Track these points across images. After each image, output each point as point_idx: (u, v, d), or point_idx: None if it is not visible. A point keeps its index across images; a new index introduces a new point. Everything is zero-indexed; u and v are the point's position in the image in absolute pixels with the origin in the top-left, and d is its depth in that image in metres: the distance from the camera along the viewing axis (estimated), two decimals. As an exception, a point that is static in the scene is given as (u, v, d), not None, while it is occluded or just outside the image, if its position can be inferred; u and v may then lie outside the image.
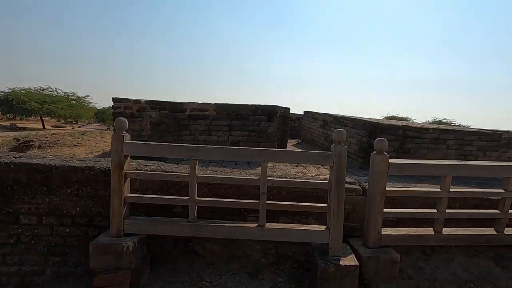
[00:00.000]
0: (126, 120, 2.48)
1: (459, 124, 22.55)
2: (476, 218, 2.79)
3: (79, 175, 2.71)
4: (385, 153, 2.52)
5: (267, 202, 2.51)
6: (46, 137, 7.43)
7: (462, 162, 2.57)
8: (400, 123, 4.91)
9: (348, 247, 2.62)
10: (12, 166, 2.64)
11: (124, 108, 4.05)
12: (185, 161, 3.76)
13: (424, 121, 24.68)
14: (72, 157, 3.26)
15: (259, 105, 4.35)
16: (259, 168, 2.50)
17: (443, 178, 2.59)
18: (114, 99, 4.12)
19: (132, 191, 2.80)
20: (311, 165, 4.50)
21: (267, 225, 2.54)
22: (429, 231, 2.71)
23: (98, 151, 5.42)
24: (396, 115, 27.08)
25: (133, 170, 2.68)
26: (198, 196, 2.80)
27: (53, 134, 8.93)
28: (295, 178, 3.19)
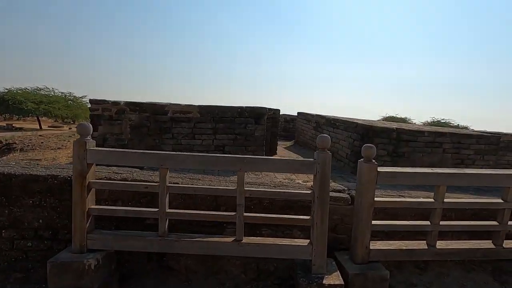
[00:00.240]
0: (90, 125, 2.27)
1: (458, 124, 22.33)
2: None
3: (42, 184, 2.49)
4: (374, 160, 2.31)
5: (245, 214, 2.29)
6: (30, 140, 7.20)
7: (457, 171, 2.36)
8: (394, 125, 4.70)
9: (334, 262, 2.41)
10: (-35, 175, 2.43)
11: (102, 110, 3.83)
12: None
13: (423, 121, 24.46)
14: (38, 164, 3.04)
15: (246, 106, 4.13)
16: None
17: (436, 188, 2.38)
18: (91, 101, 3.90)
19: (101, 201, 2.58)
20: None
21: (245, 239, 2.32)
22: (422, 244, 2.50)
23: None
24: (395, 115, 26.84)
25: (98, 179, 2.46)
26: (172, 207, 2.59)
27: (40, 136, 8.69)
28: (278, 186, 2.98)
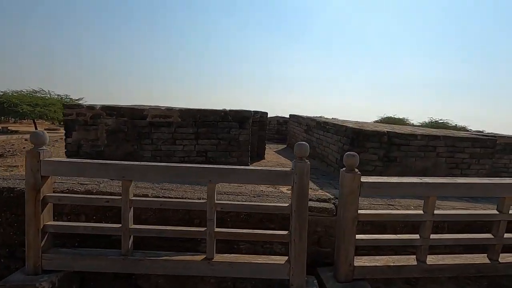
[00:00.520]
0: (45, 133, 2.06)
1: (456, 125, 22.14)
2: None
3: (-4, 198, 2.28)
4: (357, 170, 2.12)
5: (216, 230, 2.09)
6: (12, 144, 6.98)
7: (447, 180, 2.16)
8: (387, 128, 4.51)
9: (315, 281, 2.21)
10: None
11: (76, 115, 3.62)
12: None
13: (421, 122, 24.25)
14: (12, 171, 2.83)
15: (229, 110, 3.93)
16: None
17: (425, 199, 2.19)
18: (64, 105, 3.69)
19: (62, 215, 2.38)
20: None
21: (217, 257, 2.12)
22: (412, 259, 2.30)
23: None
24: (392, 116, 26.63)
25: (57, 193, 2.26)
26: (141, 221, 2.39)
27: (26, 140, 8.46)
28: (259, 196, 2.78)
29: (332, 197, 2.91)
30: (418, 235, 2.26)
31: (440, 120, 23.28)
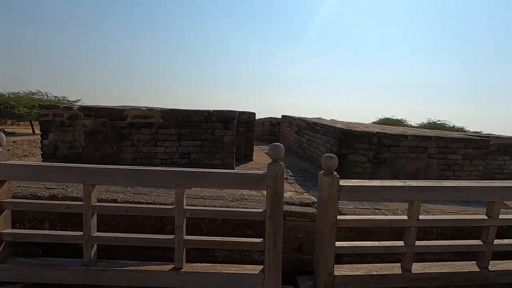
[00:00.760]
0: (2, 135, 1.92)
1: (454, 125, 22.02)
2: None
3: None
4: (335, 173, 1.98)
5: (185, 237, 1.95)
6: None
7: (433, 183, 2.03)
8: (377, 129, 4.38)
9: (294, 292, 2.07)
10: None
11: (53, 116, 3.47)
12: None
13: (419, 123, 24.13)
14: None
15: (213, 110, 3.79)
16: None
17: (410, 204, 2.05)
18: (40, 106, 3.54)
19: (25, 222, 2.24)
20: (284, 181, 3.94)
21: (186, 267, 1.98)
22: (396, 268, 2.16)
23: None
24: (390, 117, 26.49)
25: (17, 198, 2.11)
26: (110, 228, 2.25)
27: (14, 142, 8.29)
28: (238, 200, 2.64)
29: (315, 201, 2.77)
30: (402, 241, 2.13)
31: (438, 121, 23.18)
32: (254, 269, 2.01)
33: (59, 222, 2.26)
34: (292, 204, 2.72)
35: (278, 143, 1.94)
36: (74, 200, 2.25)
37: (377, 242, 2.14)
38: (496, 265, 2.23)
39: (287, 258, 2.56)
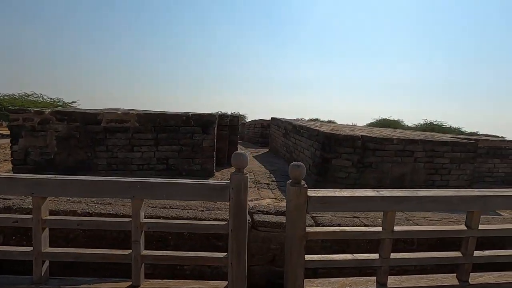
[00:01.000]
0: None
1: (450, 126, 21.99)
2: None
3: None
4: (303, 182, 1.86)
5: (143, 253, 1.82)
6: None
7: (408, 193, 1.91)
8: (363, 132, 4.27)
9: (260, 309, 1.95)
10: None
11: (23, 120, 3.34)
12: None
13: (416, 123, 24.09)
14: None
15: (192, 114, 3.66)
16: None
17: (384, 214, 1.93)
18: (10, 110, 3.41)
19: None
20: (265, 187, 3.82)
21: (145, 284, 1.84)
22: (371, 282, 2.04)
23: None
24: (387, 118, 26.44)
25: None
26: (69, 241, 2.12)
27: (-2, 146, 8.12)
28: (209, 210, 2.51)
29: (292, 209, 2.65)
30: (378, 254, 2.00)
31: (435, 121, 23.15)
32: (217, 285, 1.88)
33: (13, 236, 2.12)
34: (267, 213, 2.60)
35: (242, 152, 1.81)
36: (29, 213, 2.12)
37: (350, 255, 2.01)
38: (477, 278, 2.11)
39: (260, 271, 2.45)
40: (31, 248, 1.80)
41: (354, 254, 2.02)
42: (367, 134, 3.89)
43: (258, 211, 2.61)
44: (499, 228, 2.11)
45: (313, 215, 2.58)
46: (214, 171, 3.84)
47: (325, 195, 1.85)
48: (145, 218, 1.87)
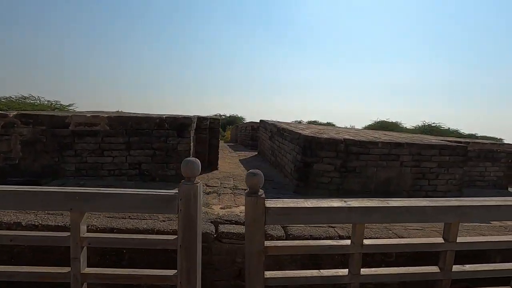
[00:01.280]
0: None
1: (448, 128, 21.81)
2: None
3: None
4: (261, 192, 1.69)
5: (85, 271, 1.64)
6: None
7: (378, 204, 1.74)
8: (347, 135, 4.10)
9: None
10: None
11: (-15, 124, 3.17)
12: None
13: (415, 125, 23.93)
14: None
15: (166, 116, 3.50)
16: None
17: (353, 227, 1.76)
18: (-28, 113, 3.24)
19: None
20: (242, 193, 3.65)
21: (86, 305, 1.67)
22: (341, 300, 1.86)
23: None
24: (386, 120, 26.26)
25: None
26: (12, 256, 1.94)
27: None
28: (170, 221, 2.34)
29: (264, 218, 2.47)
30: (347, 270, 1.83)
31: (433, 123, 22.98)
32: (167, 306, 1.70)
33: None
34: (236, 222, 2.43)
35: (192, 159, 1.64)
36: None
37: (316, 271, 1.84)
38: (457, 295, 1.94)
39: (225, 286, 2.27)
40: (-41, 266, 1.62)
41: (320, 270, 1.84)
42: (350, 138, 3.73)
43: (226, 220, 2.43)
44: (480, 241, 1.94)
45: (285, 225, 2.41)
46: (190, 176, 3.66)
47: (285, 206, 1.68)
48: (89, 231, 1.70)
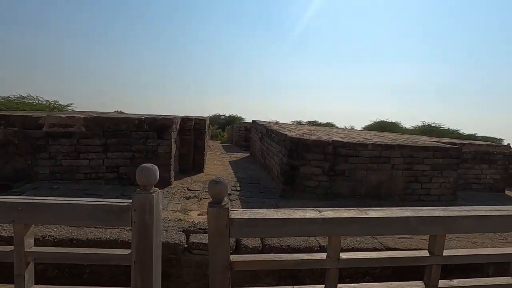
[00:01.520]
0: None
1: (448, 128, 21.61)
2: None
3: None
4: (225, 202, 1.53)
5: (31, 288, 1.48)
6: None
7: (355, 214, 1.58)
8: (336, 137, 3.94)
9: None
10: None
11: (-46, 125, 3.02)
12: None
13: (414, 125, 23.74)
14: None
15: (145, 118, 3.34)
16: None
17: (329, 239, 1.61)
18: None
19: None
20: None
21: (33, 327, 1.51)
22: (317, 319, 1.70)
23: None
24: (385, 120, 26.04)
25: None
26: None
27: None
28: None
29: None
30: (323, 285, 1.67)
31: (433, 123, 22.76)
32: (122, 328, 1.54)
33: None
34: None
35: (148, 165, 1.48)
36: None
37: (289, 287, 1.68)
38: (444, 312, 1.78)
39: (197, 301, 2.11)
40: None
41: (294, 286, 1.69)
42: (339, 139, 3.57)
43: (200, 229, 2.28)
44: (469, 254, 1.79)
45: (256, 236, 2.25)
46: (172, 179, 3.51)
47: (252, 217, 1.52)
48: (38, 245, 1.54)
